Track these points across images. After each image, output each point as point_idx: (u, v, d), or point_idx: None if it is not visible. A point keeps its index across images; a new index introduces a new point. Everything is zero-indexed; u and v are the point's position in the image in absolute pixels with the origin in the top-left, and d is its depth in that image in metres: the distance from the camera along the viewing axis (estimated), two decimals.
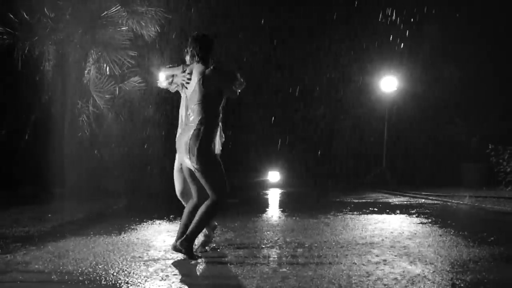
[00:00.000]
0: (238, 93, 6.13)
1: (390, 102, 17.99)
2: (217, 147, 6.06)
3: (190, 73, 5.93)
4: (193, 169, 5.75)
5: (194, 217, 5.82)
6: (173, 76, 6.15)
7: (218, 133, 6.05)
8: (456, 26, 17.73)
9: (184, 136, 5.77)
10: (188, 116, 5.86)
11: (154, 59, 14.61)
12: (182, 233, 5.83)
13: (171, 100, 15.66)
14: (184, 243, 5.64)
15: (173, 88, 6.27)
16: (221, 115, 5.99)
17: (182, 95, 6.14)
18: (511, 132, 12.97)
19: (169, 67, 6.26)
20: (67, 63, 12.78)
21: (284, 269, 5.35)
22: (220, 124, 6.05)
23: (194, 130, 5.70)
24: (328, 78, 19.36)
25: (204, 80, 5.77)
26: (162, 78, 6.28)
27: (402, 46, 18.42)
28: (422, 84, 18.29)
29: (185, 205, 6.28)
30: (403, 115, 18.63)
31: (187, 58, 6.14)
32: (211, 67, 5.87)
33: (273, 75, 19.68)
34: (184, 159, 5.85)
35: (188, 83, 5.91)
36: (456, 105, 18.24)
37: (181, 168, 6.15)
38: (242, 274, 5.14)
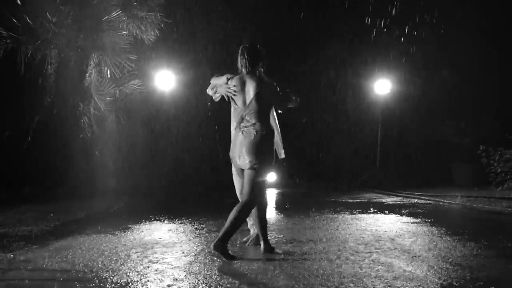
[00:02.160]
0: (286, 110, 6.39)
1: (383, 104, 18.01)
2: (280, 151, 6.44)
3: (238, 85, 6.08)
4: (247, 167, 5.94)
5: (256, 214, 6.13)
6: (216, 86, 6.34)
7: (279, 138, 6.36)
8: (449, 28, 17.75)
9: (243, 140, 5.92)
10: (245, 122, 5.98)
11: (153, 62, 14.66)
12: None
13: (170, 101, 15.73)
14: (219, 244, 5.71)
15: (216, 97, 6.45)
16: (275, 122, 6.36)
17: (233, 105, 6.19)
18: (502, 134, 13.00)
19: (217, 76, 6.35)
20: (69, 67, 12.79)
21: (280, 267, 5.36)
22: (278, 130, 6.35)
23: (255, 135, 5.89)
24: (323, 81, 19.36)
25: (260, 95, 5.99)
26: (210, 87, 6.47)
27: (395, 49, 18.44)
28: (415, 86, 18.30)
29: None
30: (396, 116, 18.64)
31: (239, 67, 6.25)
32: (266, 83, 6.11)
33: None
34: (238, 161, 6.03)
35: (234, 95, 6.07)
36: (448, 107, 18.26)
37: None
38: (240, 271, 5.16)
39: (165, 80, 15.03)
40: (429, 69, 18.46)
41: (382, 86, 17.61)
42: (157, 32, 13.72)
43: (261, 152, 5.90)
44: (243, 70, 6.16)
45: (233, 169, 6.51)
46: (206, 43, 17.24)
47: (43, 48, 12.30)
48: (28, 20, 12.03)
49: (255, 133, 5.89)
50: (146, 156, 15.52)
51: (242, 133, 5.96)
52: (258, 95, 5.99)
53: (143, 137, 15.37)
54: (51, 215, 9.24)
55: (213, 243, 5.74)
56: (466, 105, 17.95)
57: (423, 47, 18.14)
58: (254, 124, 5.95)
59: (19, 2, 11.94)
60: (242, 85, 6.07)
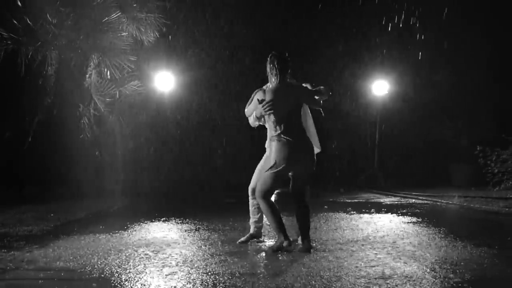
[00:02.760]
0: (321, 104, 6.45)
1: (381, 104, 18.00)
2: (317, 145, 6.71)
3: (273, 97, 6.07)
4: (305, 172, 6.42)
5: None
6: (253, 112, 6.50)
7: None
8: (447, 29, 17.77)
9: (294, 148, 6.09)
10: (286, 132, 6.08)
11: (153, 63, 14.65)
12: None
13: (170, 102, 15.73)
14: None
15: (256, 124, 6.70)
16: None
17: (268, 118, 6.22)
18: (499, 134, 13.01)
19: (248, 105, 6.48)
20: (69, 68, 12.79)
21: (279, 266, 5.37)
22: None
23: (308, 143, 6.30)
24: (321, 83, 19.33)
25: (299, 103, 6.23)
26: (252, 121, 6.69)
27: (393, 50, 18.44)
28: (413, 88, 18.29)
29: (251, 200, 6.93)
30: (394, 117, 18.62)
31: (269, 76, 6.32)
32: (302, 88, 6.32)
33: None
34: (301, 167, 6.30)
35: (271, 109, 6.04)
36: (446, 107, 18.27)
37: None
38: (239, 269, 5.17)
39: (165, 81, 15.01)
40: (427, 70, 18.45)
41: (380, 87, 17.60)
42: (156, 34, 13.72)
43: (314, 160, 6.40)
44: (273, 79, 6.21)
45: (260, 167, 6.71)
46: (205, 44, 17.25)
47: (43, 49, 12.29)
48: (29, 22, 12.02)
49: (307, 141, 6.28)
50: (145, 157, 15.52)
51: (286, 141, 6.07)
52: (297, 104, 6.20)
53: (142, 138, 15.37)
54: (52, 215, 9.25)
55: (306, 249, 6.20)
56: (463, 106, 17.98)
57: (420, 48, 18.13)
58: (296, 131, 6.16)
59: (19, 3, 11.93)
60: (277, 95, 6.07)
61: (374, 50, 18.86)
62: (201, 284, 4.71)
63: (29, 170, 12.45)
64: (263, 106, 6.04)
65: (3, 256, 5.88)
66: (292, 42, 17.94)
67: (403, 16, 17.91)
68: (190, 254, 6.05)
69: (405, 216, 9.62)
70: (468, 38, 17.44)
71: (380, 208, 11.00)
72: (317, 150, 6.56)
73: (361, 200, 12.94)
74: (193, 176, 16.54)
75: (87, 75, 13.19)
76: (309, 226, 6.41)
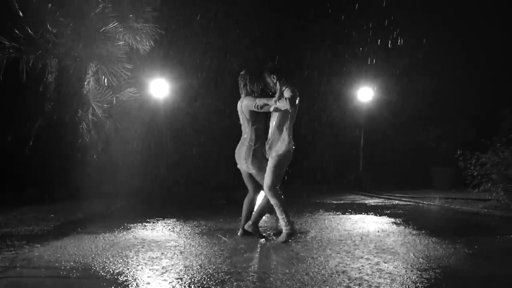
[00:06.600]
0: (289, 104, 6.70)
1: (366, 110, 18.07)
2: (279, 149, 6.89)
3: (239, 106, 7.10)
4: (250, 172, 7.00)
5: (252, 207, 7.17)
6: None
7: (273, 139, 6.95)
8: (430, 38, 17.88)
9: (241, 149, 6.99)
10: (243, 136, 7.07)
11: (148, 71, 14.69)
12: (246, 219, 7.15)
13: (164, 108, 15.74)
14: (252, 226, 6.96)
15: None
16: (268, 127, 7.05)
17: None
18: (478, 139, 13.06)
19: None
20: (68, 75, 12.78)
21: (271, 264, 5.39)
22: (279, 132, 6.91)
23: (247, 145, 6.92)
24: (310, 89, 19.38)
25: (242, 109, 6.98)
26: None
27: (378, 58, 18.53)
28: (396, 94, 18.38)
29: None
30: (378, 122, 18.69)
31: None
32: (246, 102, 6.90)
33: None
34: (241, 166, 7.05)
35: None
36: (427, 113, 18.36)
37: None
38: (232, 266, 5.19)
39: (159, 88, 15.09)
40: (409, 78, 18.55)
41: (364, 94, 17.68)
42: (151, 43, 13.75)
43: (252, 161, 6.90)
44: (240, 92, 7.11)
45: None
46: (199, 53, 17.28)
47: (43, 57, 12.29)
48: (30, 31, 12.03)
49: (247, 144, 6.92)
50: (141, 160, 15.51)
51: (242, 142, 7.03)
52: (243, 115, 7.00)
53: (138, 142, 15.37)
54: (52, 215, 9.23)
55: (246, 226, 7.02)
56: (445, 111, 18.08)
57: (404, 56, 18.24)
58: (246, 136, 6.98)
59: (21, 14, 11.94)
60: (240, 105, 7.03)
61: (359, 59, 18.95)
62: (197, 282, 4.73)
63: (30, 173, 12.44)
64: None
65: (5, 255, 5.89)
66: (282, 50, 17.99)
67: (386, 26, 18.01)
68: (187, 253, 6.08)
69: (388, 217, 9.67)
70: (449, 47, 17.56)
71: (365, 209, 11.04)
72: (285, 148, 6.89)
73: (346, 201, 12.97)
74: (187, 178, 16.57)
75: (86, 82, 13.20)
76: (260, 214, 7.11)
